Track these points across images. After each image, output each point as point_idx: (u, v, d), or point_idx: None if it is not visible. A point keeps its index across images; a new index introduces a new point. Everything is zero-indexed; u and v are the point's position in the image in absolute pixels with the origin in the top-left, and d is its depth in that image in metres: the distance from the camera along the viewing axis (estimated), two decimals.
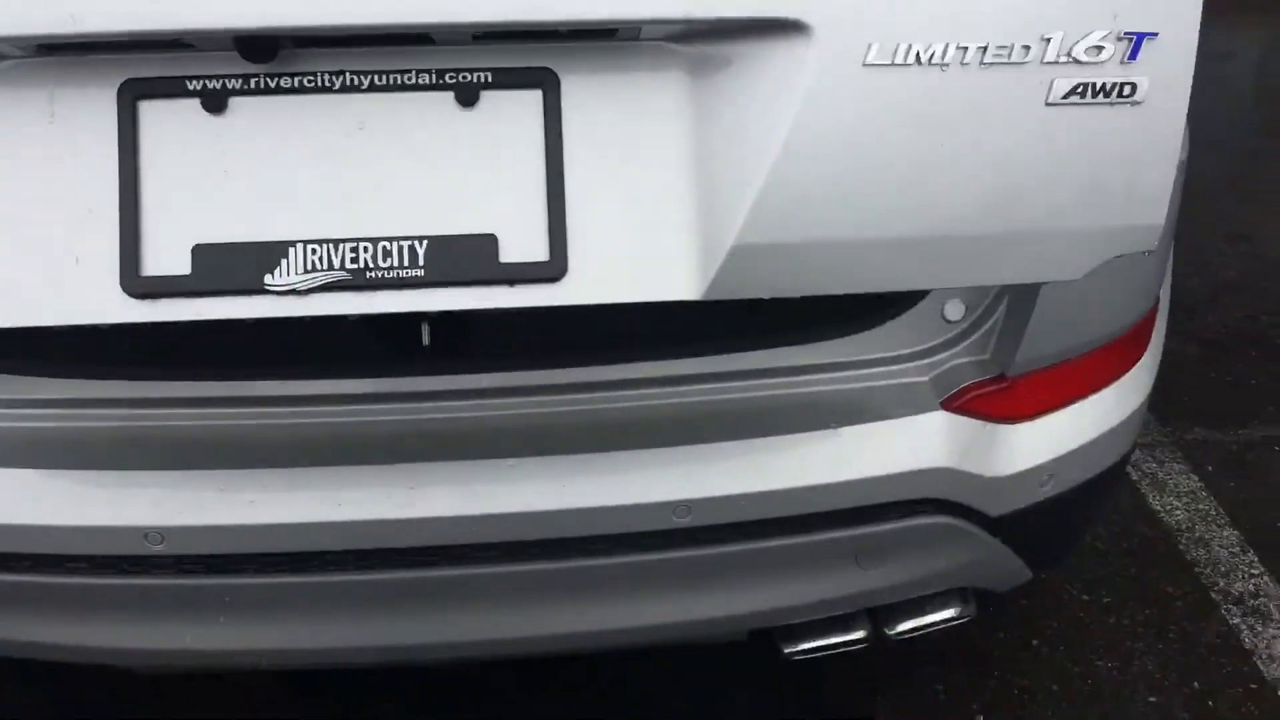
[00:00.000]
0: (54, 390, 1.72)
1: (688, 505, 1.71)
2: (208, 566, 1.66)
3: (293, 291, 1.40)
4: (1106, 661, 2.46)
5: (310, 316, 1.41)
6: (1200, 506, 2.87)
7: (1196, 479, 2.96)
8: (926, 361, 1.81)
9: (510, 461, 1.71)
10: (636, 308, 1.81)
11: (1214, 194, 4.42)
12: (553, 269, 1.41)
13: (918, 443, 1.77)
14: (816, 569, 1.83)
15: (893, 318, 1.80)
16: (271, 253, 1.39)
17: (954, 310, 1.81)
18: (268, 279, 1.39)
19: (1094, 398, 1.89)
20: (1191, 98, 1.41)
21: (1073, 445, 1.86)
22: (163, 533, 1.63)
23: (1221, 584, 2.64)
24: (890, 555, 1.83)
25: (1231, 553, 2.73)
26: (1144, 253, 1.51)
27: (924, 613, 1.97)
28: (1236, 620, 2.55)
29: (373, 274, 1.40)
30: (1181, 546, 2.75)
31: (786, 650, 1.96)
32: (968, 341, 1.82)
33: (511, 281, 1.41)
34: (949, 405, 1.79)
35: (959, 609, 1.99)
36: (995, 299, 1.80)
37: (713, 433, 1.74)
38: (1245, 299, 3.72)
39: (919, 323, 1.80)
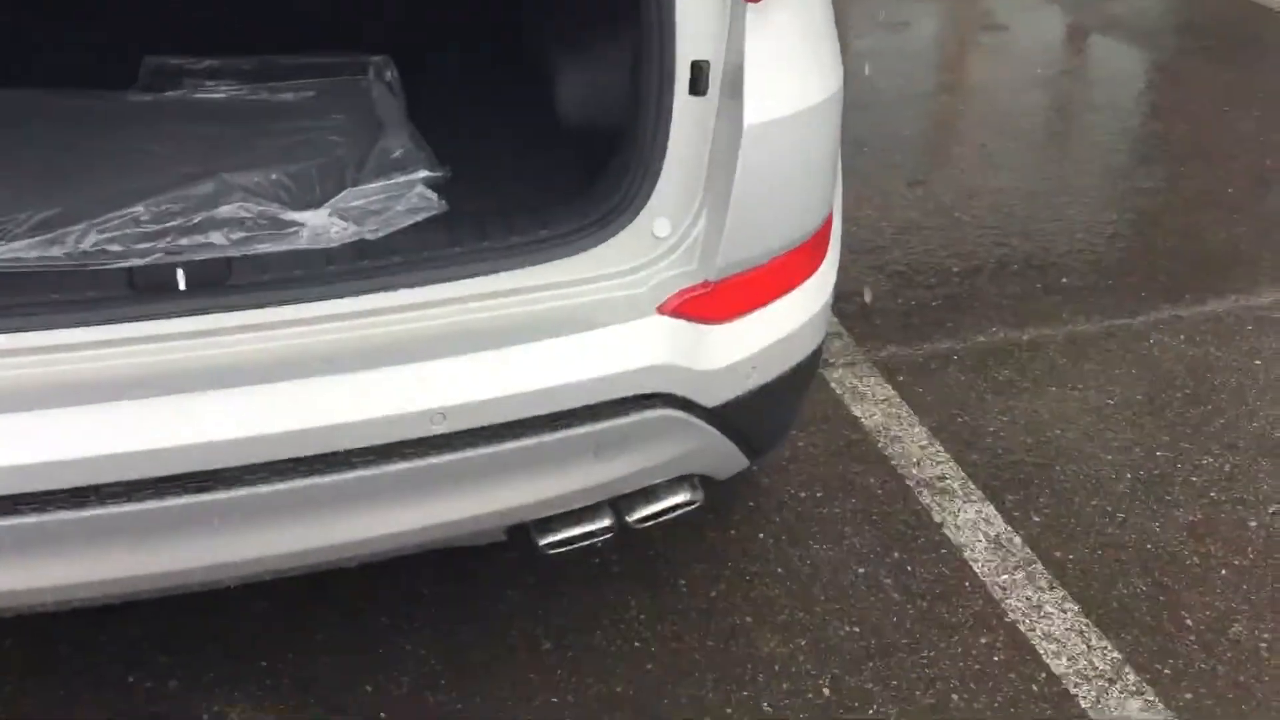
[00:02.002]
0: None
1: (442, 412, 1.91)
2: None
3: None
4: (822, 545, 2.80)
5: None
6: (894, 410, 3.27)
7: (890, 388, 3.36)
8: (641, 274, 2.07)
9: (276, 385, 1.87)
10: (382, 244, 2.01)
11: (898, 148, 4.93)
12: None
13: (639, 344, 2.03)
14: (562, 464, 2.07)
15: (610, 237, 2.05)
16: None
17: (661, 227, 2.07)
18: None
19: (786, 299, 2.20)
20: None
21: (771, 340, 2.17)
22: None
23: (914, 472, 3.04)
24: (624, 448, 2.09)
25: (921, 446, 3.14)
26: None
27: (658, 499, 2.24)
28: (928, 500, 2.94)
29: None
30: (880, 444, 3.13)
31: (542, 543, 2.19)
32: (675, 254, 2.08)
33: None
34: (663, 310, 2.06)
35: (688, 495, 2.27)
36: (695, 216, 2.08)
37: (461, 347, 1.95)
38: (924, 236, 4.19)
39: (632, 241, 2.06)
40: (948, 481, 3.01)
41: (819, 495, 2.95)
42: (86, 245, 1.94)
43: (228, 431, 1.85)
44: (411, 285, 1.96)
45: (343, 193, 2.08)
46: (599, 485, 2.13)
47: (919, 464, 3.07)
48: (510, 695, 2.41)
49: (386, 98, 2.45)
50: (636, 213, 2.04)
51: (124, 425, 1.81)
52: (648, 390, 2.05)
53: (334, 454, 1.89)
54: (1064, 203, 4.44)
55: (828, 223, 2.29)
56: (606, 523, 2.21)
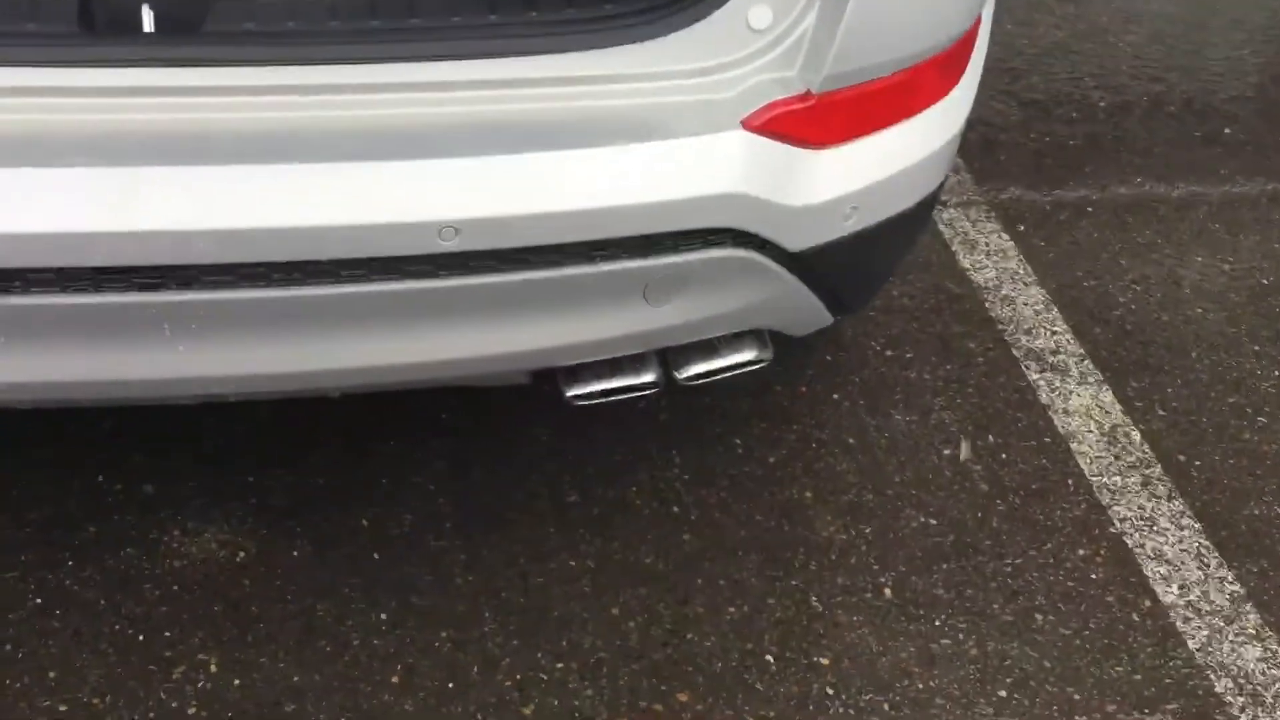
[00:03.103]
0: None
1: (455, 226, 1.52)
2: None
3: None
4: (904, 416, 2.41)
5: None
6: (1009, 265, 2.81)
7: (1007, 238, 2.89)
8: (727, 76, 1.62)
9: (250, 168, 1.48)
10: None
11: None
12: None
13: (714, 165, 1.60)
14: (601, 304, 1.68)
15: (692, 22, 1.60)
16: None
17: (760, 17, 1.61)
18: None
19: (904, 125, 1.75)
20: None
21: (881, 175, 1.73)
22: None
23: (1024, 341, 2.61)
24: (682, 291, 1.69)
25: (1036, 310, 2.69)
26: None
27: (717, 355, 1.85)
28: (1035, 376, 2.52)
29: None
30: (988, 304, 2.69)
31: (570, 394, 1.82)
32: (773, 54, 1.63)
33: None
34: (749, 125, 1.62)
35: (755, 352, 1.87)
36: (807, 3, 1.62)
37: (485, 146, 1.54)
38: (1070, 61, 3.63)
39: (721, 31, 1.61)
40: (1061, 356, 2.58)
41: (908, 357, 2.54)
42: None
43: (186, 220, 1.47)
44: (432, 58, 1.54)
45: None
46: (645, 333, 1.73)
47: (1031, 332, 2.63)
48: (523, 551, 2.09)
49: None
50: None
51: (53, 199, 1.44)
52: (718, 224, 1.63)
53: (314, 263, 1.51)
54: (1239, 40, 3.81)
55: (972, 31, 1.81)
56: (651, 377, 1.82)
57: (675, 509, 2.18)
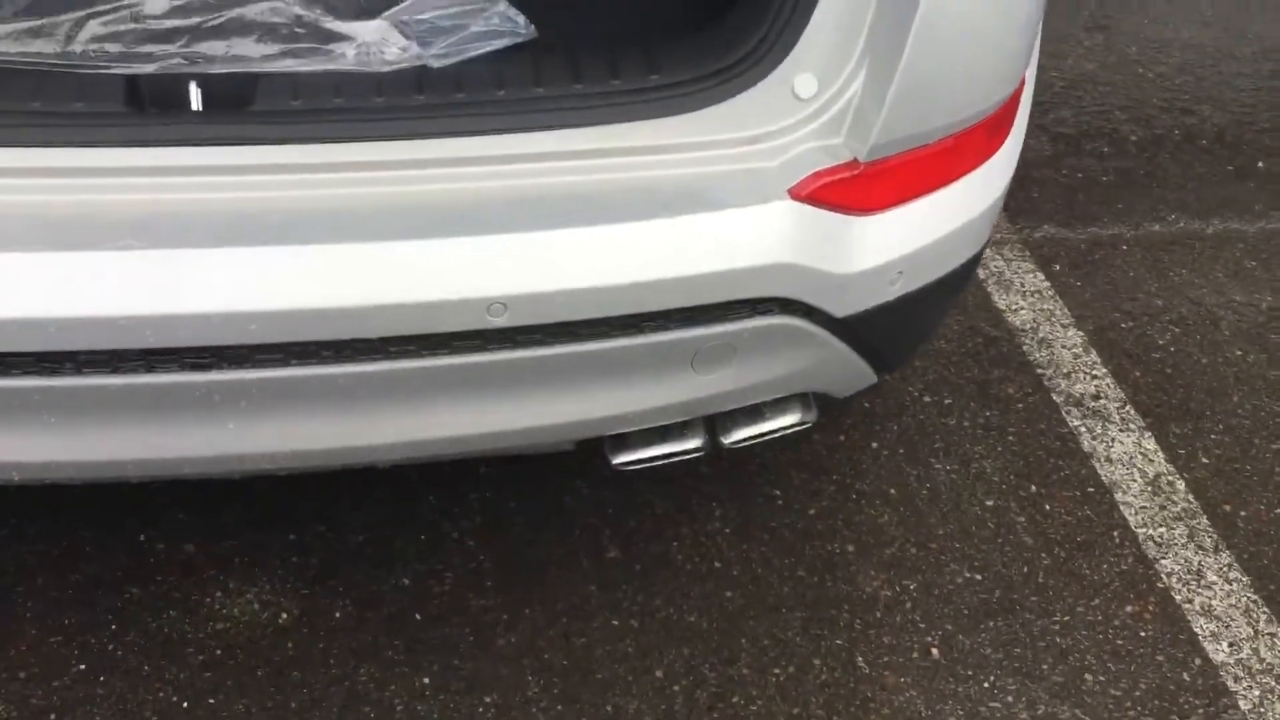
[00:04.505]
0: None
1: (504, 302, 1.51)
2: None
3: None
4: (945, 465, 2.39)
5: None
6: (1045, 306, 2.79)
7: (1043, 277, 2.88)
8: (774, 145, 1.61)
9: (300, 248, 1.48)
10: (447, 75, 1.58)
11: None
12: None
13: (762, 235, 1.59)
14: (648, 374, 1.67)
15: (738, 92, 1.59)
16: None
17: (806, 86, 1.61)
18: None
19: (950, 189, 1.73)
20: None
21: (926, 240, 1.72)
22: None
23: (1063, 385, 2.59)
24: (729, 359, 1.68)
25: (1074, 354, 2.67)
26: None
27: (763, 419, 1.84)
28: (1076, 423, 2.50)
29: None
30: (1025, 347, 2.68)
31: (616, 461, 1.81)
32: (819, 122, 1.62)
33: None
34: (796, 194, 1.60)
35: (800, 415, 1.86)
36: (851, 72, 1.61)
37: (532, 220, 1.53)
38: (1100, 93, 3.61)
39: (765, 99, 1.60)
40: (1102, 402, 2.55)
41: (947, 403, 2.52)
42: (81, 41, 1.53)
43: (237, 302, 1.47)
44: (477, 133, 1.53)
45: (409, 1, 1.63)
46: (693, 401, 1.72)
47: (1070, 376, 2.61)
48: (565, 610, 2.08)
49: None
50: (777, 62, 1.58)
51: (105, 282, 1.44)
52: (767, 294, 1.62)
53: (364, 340, 1.51)
54: (1269, 70, 3.79)
55: (1017, 93, 1.79)
56: (697, 443, 1.81)
57: (717, 564, 2.17)
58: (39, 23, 1.53)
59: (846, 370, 1.81)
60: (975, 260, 1.88)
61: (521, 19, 1.63)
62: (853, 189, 1.63)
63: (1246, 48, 3.92)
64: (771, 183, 1.60)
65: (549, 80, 1.58)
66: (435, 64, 1.58)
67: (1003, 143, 1.80)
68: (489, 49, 1.61)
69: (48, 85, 1.49)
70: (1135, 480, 2.38)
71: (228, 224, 1.46)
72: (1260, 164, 3.36)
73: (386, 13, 1.62)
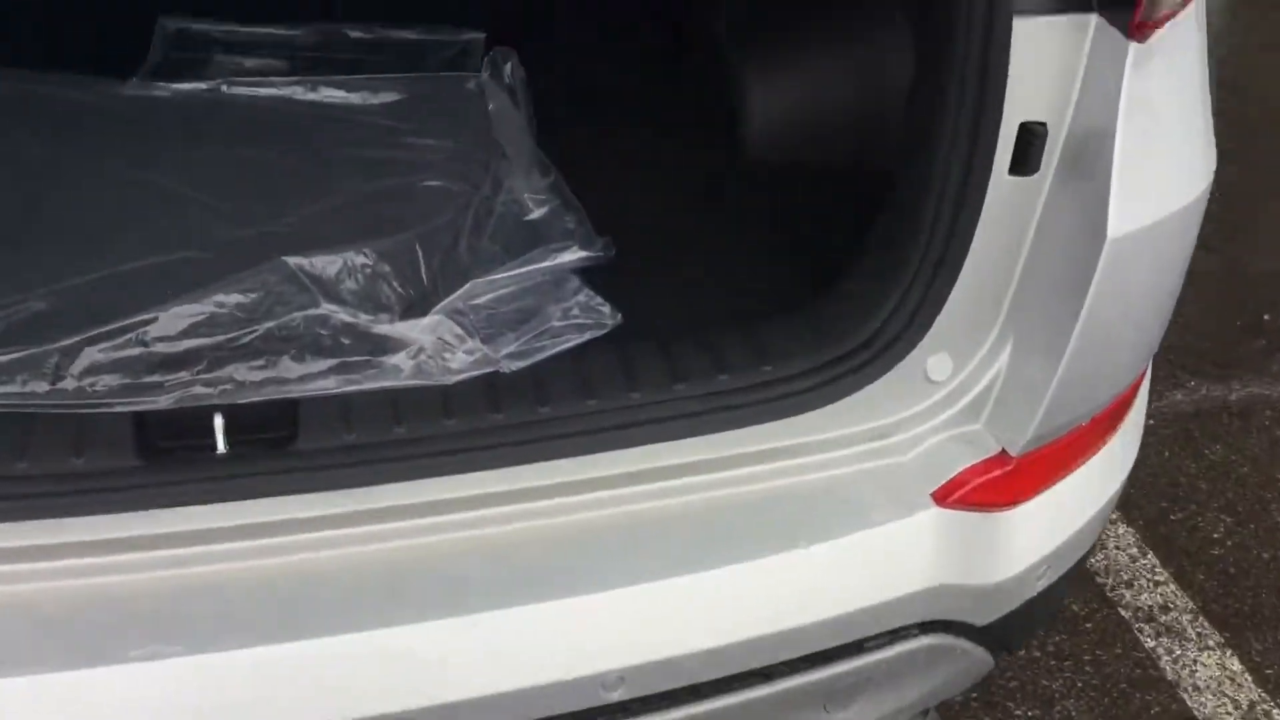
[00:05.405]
0: None
1: (621, 675, 1.22)
2: None
3: None
4: (1025, 709, 2.14)
5: None
6: None
7: None
8: (905, 436, 1.38)
9: (372, 633, 1.18)
10: (521, 380, 1.31)
11: None
12: None
13: (909, 555, 1.34)
14: None
15: (867, 383, 1.34)
16: None
17: (939, 367, 1.37)
18: None
19: (1085, 469, 1.50)
20: None
21: (1074, 528, 1.48)
22: None
23: (1127, 596, 2.37)
24: (863, 692, 1.41)
25: (1130, 556, 2.47)
26: None
27: None
28: (1151, 643, 2.28)
29: None
30: None
31: None
32: (956, 408, 1.39)
33: None
34: (943, 498, 1.36)
35: None
36: (990, 352, 1.38)
37: (641, 568, 1.25)
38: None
39: (898, 385, 1.36)
40: (1173, 614, 2.34)
41: None
42: (75, 375, 1.22)
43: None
44: (567, 454, 1.26)
45: (465, 286, 1.36)
46: None
47: (1132, 585, 2.40)
48: None
49: (508, 110, 1.68)
50: (914, 343, 1.34)
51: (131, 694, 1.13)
52: (913, 621, 1.36)
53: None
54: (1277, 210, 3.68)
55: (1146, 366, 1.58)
56: None
57: None
58: (25, 354, 1.22)
59: (974, 671, 1.56)
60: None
61: (607, 307, 1.37)
62: (1003, 485, 1.39)
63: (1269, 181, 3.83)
64: (911, 486, 1.36)
65: (641, 381, 1.31)
66: (507, 369, 1.31)
67: (1129, 410, 1.58)
68: (570, 345, 1.34)
69: (35, 435, 1.18)
70: (1230, 714, 2.16)
71: (266, 609, 1.16)
72: (1266, 316, 3.23)
73: (439, 305, 1.35)
